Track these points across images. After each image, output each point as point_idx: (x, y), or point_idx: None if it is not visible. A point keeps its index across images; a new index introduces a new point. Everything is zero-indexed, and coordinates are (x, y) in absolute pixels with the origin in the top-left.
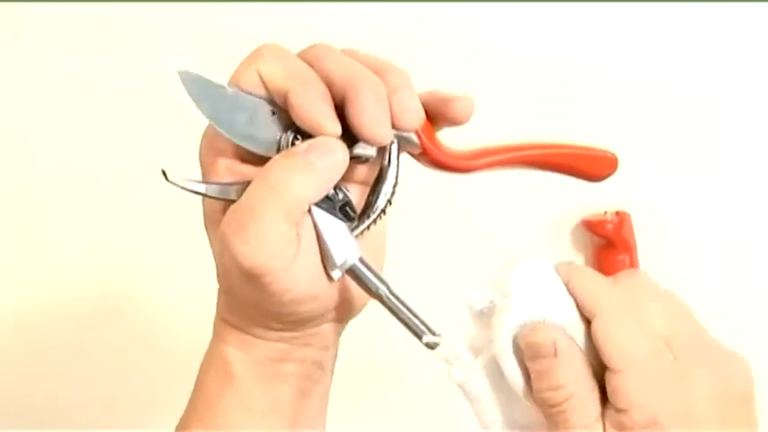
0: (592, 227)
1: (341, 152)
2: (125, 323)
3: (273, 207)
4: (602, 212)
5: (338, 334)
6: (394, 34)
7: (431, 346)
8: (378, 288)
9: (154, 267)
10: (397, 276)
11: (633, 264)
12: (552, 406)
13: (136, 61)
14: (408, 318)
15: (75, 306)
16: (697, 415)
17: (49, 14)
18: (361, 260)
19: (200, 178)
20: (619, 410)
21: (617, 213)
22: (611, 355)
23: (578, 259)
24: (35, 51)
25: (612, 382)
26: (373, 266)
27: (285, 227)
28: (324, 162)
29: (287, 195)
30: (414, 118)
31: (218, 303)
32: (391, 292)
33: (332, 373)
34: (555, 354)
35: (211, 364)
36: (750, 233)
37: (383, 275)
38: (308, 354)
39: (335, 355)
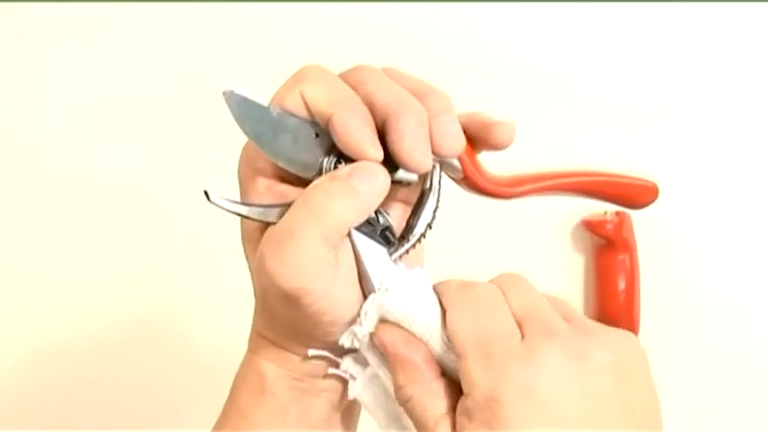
0: (592, 227)
1: (382, 177)
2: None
3: (313, 230)
4: (603, 212)
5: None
6: (413, 39)
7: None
8: None
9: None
10: None
11: (633, 264)
12: (402, 405)
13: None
14: None
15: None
16: (543, 388)
17: (50, 14)
18: None
19: (237, 198)
20: (465, 396)
21: (617, 213)
22: (454, 342)
23: (578, 259)
24: (37, 53)
25: (460, 369)
26: None
27: (324, 250)
28: (365, 187)
29: (327, 219)
30: (454, 145)
31: (254, 318)
32: None
33: None
34: (390, 356)
35: (246, 377)
36: (750, 233)
37: None
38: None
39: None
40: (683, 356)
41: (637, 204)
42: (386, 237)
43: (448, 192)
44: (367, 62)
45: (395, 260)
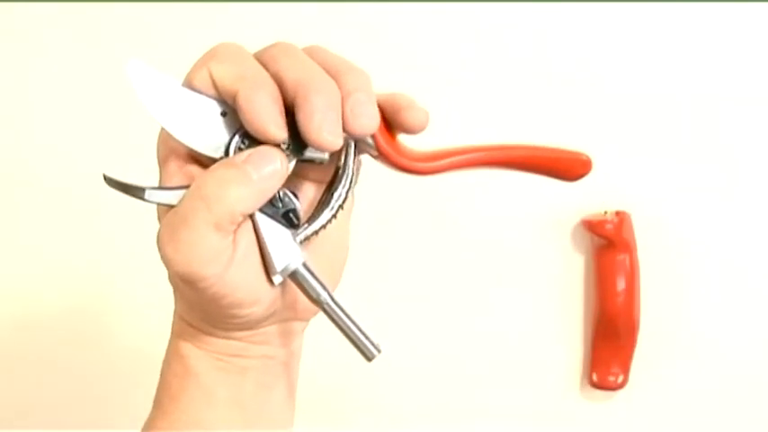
0: (592, 227)
1: (280, 163)
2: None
3: (204, 217)
4: (603, 212)
5: (297, 332)
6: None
7: (368, 357)
8: (319, 295)
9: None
10: (397, 274)
11: (633, 264)
12: None
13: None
14: (348, 327)
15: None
16: None
17: (48, 14)
18: (305, 266)
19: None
20: None
21: (617, 213)
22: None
23: (578, 259)
24: (35, 53)
25: None
26: (317, 273)
27: (216, 237)
28: (261, 174)
29: (218, 207)
30: (366, 123)
31: (174, 300)
32: (333, 299)
33: (296, 368)
34: None
35: (171, 359)
36: (750, 233)
37: (325, 283)
38: (266, 350)
39: (298, 351)
40: (682, 356)
41: (569, 176)
42: (289, 219)
43: (448, 191)
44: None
45: (301, 242)
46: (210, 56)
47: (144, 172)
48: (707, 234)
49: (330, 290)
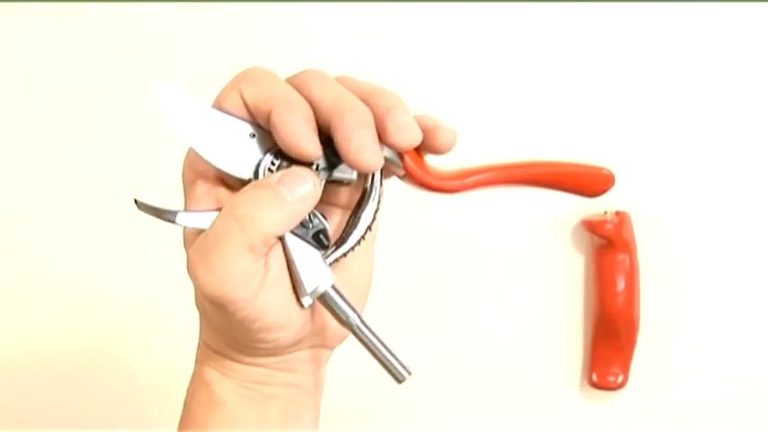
0: (592, 227)
1: (312, 184)
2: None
3: (237, 239)
4: (602, 212)
5: (323, 360)
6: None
7: (398, 380)
8: (348, 317)
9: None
10: (397, 276)
11: (633, 264)
12: None
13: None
14: (378, 349)
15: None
16: None
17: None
18: (334, 288)
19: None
20: None
21: (617, 213)
22: None
23: (578, 259)
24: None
25: None
26: (346, 295)
27: (249, 259)
28: (294, 195)
29: (251, 229)
30: (410, 135)
31: (199, 328)
32: (362, 321)
33: (320, 396)
34: None
35: (195, 387)
36: (750, 233)
37: (355, 305)
38: (291, 378)
39: (322, 380)
40: (682, 356)
41: (592, 193)
42: (319, 240)
43: (451, 194)
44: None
45: (331, 264)
46: (241, 78)
47: (170, 196)
48: (707, 234)
49: (359, 311)
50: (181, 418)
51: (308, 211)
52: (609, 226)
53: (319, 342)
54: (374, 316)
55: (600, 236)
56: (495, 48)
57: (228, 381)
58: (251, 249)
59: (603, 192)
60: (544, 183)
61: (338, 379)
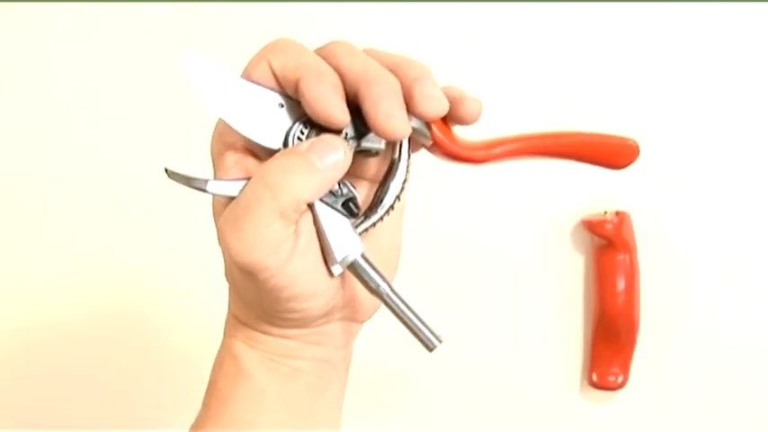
0: (592, 227)
1: (342, 151)
2: (140, 325)
3: (269, 207)
4: (602, 212)
5: (352, 335)
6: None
7: (429, 348)
8: (378, 286)
9: (169, 266)
10: (397, 276)
11: (633, 264)
12: None
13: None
14: (408, 318)
15: (90, 309)
16: None
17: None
18: (363, 257)
19: (202, 175)
20: None
21: (617, 213)
22: None
23: (578, 259)
24: (40, 51)
25: None
26: (375, 264)
27: (280, 226)
28: (324, 162)
29: (283, 196)
30: (437, 105)
31: (228, 300)
32: (393, 290)
33: (346, 373)
34: None
35: (223, 360)
36: (749, 233)
37: (384, 271)
38: (319, 352)
39: (350, 357)
40: (682, 356)
41: (617, 165)
42: (349, 208)
43: (450, 191)
44: None
45: (360, 233)
46: (270, 49)
47: (198, 167)
48: (706, 234)
49: (389, 279)
50: (207, 390)
51: (339, 178)
52: (609, 226)
53: (348, 315)
54: (374, 316)
55: (600, 236)
56: (502, 47)
57: (256, 353)
58: (282, 216)
59: (629, 164)
60: (570, 154)
61: None
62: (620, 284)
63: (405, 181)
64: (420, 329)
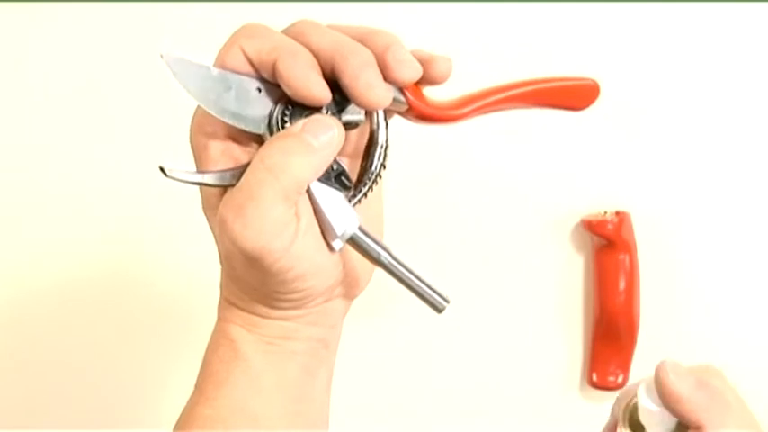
0: (592, 227)
1: (336, 129)
2: (127, 311)
3: (272, 190)
4: (602, 212)
5: (343, 312)
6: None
7: (438, 309)
8: (380, 255)
9: (155, 254)
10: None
11: (633, 264)
12: None
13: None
14: (413, 282)
15: (78, 296)
16: None
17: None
18: (361, 229)
19: (192, 169)
20: None
21: (617, 213)
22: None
23: (578, 259)
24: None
25: None
26: (373, 234)
27: (284, 208)
28: (320, 141)
29: (285, 178)
30: (412, 69)
31: (221, 285)
32: (393, 257)
33: (335, 354)
34: None
35: (218, 344)
36: (750, 233)
37: (384, 242)
38: (314, 332)
39: (339, 337)
40: (682, 357)
41: (578, 106)
42: (341, 182)
43: (449, 191)
44: None
45: (354, 204)
46: (240, 34)
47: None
48: (707, 234)
49: (388, 247)
50: (200, 373)
51: (334, 155)
52: (609, 226)
53: (343, 292)
54: (373, 315)
55: (600, 236)
56: (496, 43)
57: (254, 337)
58: (285, 198)
59: (589, 104)
60: (534, 101)
61: (337, 380)
62: (621, 284)
63: (386, 147)
64: (426, 292)
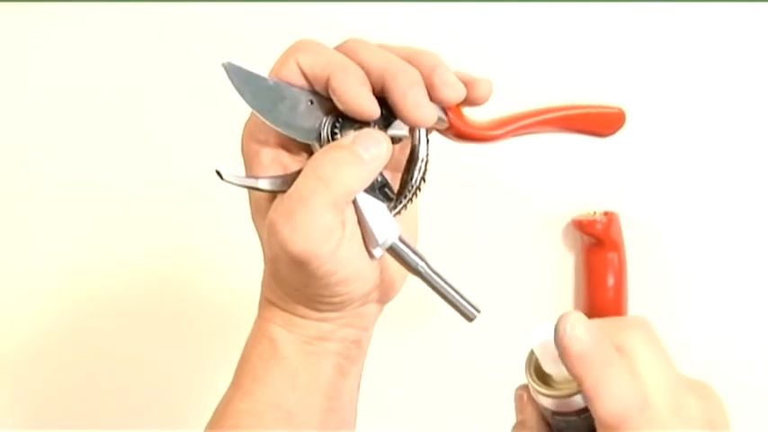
0: (582, 226)
1: (385, 143)
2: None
3: (322, 198)
4: (592, 212)
5: (376, 315)
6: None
7: (469, 318)
8: (417, 264)
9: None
10: None
11: (621, 261)
12: None
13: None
14: (447, 291)
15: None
16: None
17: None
18: (400, 238)
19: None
20: None
21: (606, 213)
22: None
23: (569, 257)
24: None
25: None
26: (411, 244)
27: (331, 216)
28: (370, 154)
29: (335, 187)
30: (456, 91)
31: (263, 286)
32: (430, 267)
33: (365, 355)
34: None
35: (258, 342)
36: (734, 232)
37: (421, 252)
38: (348, 333)
39: (371, 337)
40: (668, 350)
41: (605, 132)
42: (385, 193)
43: (447, 191)
44: None
45: (395, 215)
46: (295, 49)
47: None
48: (692, 233)
49: (425, 257)
50: (237, 370)
51: (382, 168)
52: (598, 225)
53: (378, 297)
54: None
55: (590, 235)
56: (485, 46)
57: (293, 337)
58: (333, 206)
59: (616, 131)
60: (563, 126)
61: None
62: (609, 281)
63: (427, 162)
64: (459, 302)
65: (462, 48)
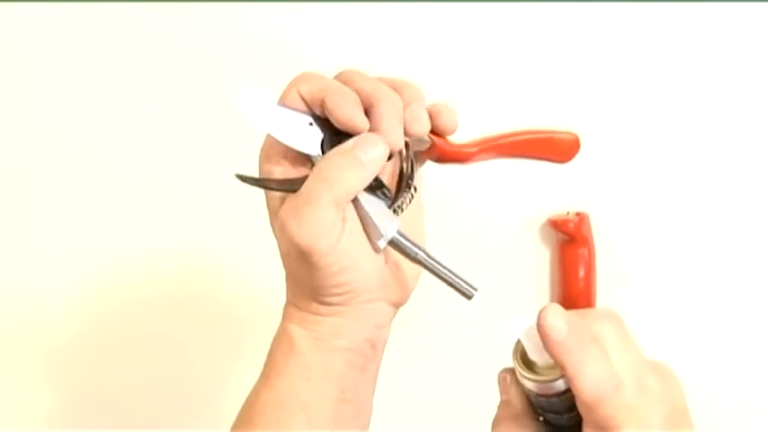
0: (556, 225)
1: (382, 146)
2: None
3: (326, 197)
4: (565, 213)
5: (388, 317)
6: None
7: (468, 296)
8: (417, 253)
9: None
10: None
11: (591, 256)
12: None
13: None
14: (446, 274)
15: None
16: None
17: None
18: (400, 232)
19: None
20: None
21: (577, 214)
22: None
23: (545, 253)
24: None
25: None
26: (410, 236)
27: (334, 213)
28: (368, 156)
29: (338, 187)
30: (421, 127)
31: (286, 289)
32: (428, 254)
33: (381, 355)
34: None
35: (280, 339)
36: (691, 229)
37: (420, 243)
38: (358, 330)
39: (385, 340)
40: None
41: (562, 159)
42: (383, 193)
43: (438, 192)
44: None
45: (394, 210)
46: (298, 79)
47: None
48: (653, 231)
49: (424, 247)
50: (265, 364)
51: (380, 169)
52: (571, 224)
53: (385, 296)
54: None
55: (563, 233)
56: (465, 45)
57: (307, 333)
58: (336, 204)
59: (573, 156)
60: (523, 153)
61: None
62: (580, 273)
63: (412, 173)
64: (458, 282)
65: (426, 70)
